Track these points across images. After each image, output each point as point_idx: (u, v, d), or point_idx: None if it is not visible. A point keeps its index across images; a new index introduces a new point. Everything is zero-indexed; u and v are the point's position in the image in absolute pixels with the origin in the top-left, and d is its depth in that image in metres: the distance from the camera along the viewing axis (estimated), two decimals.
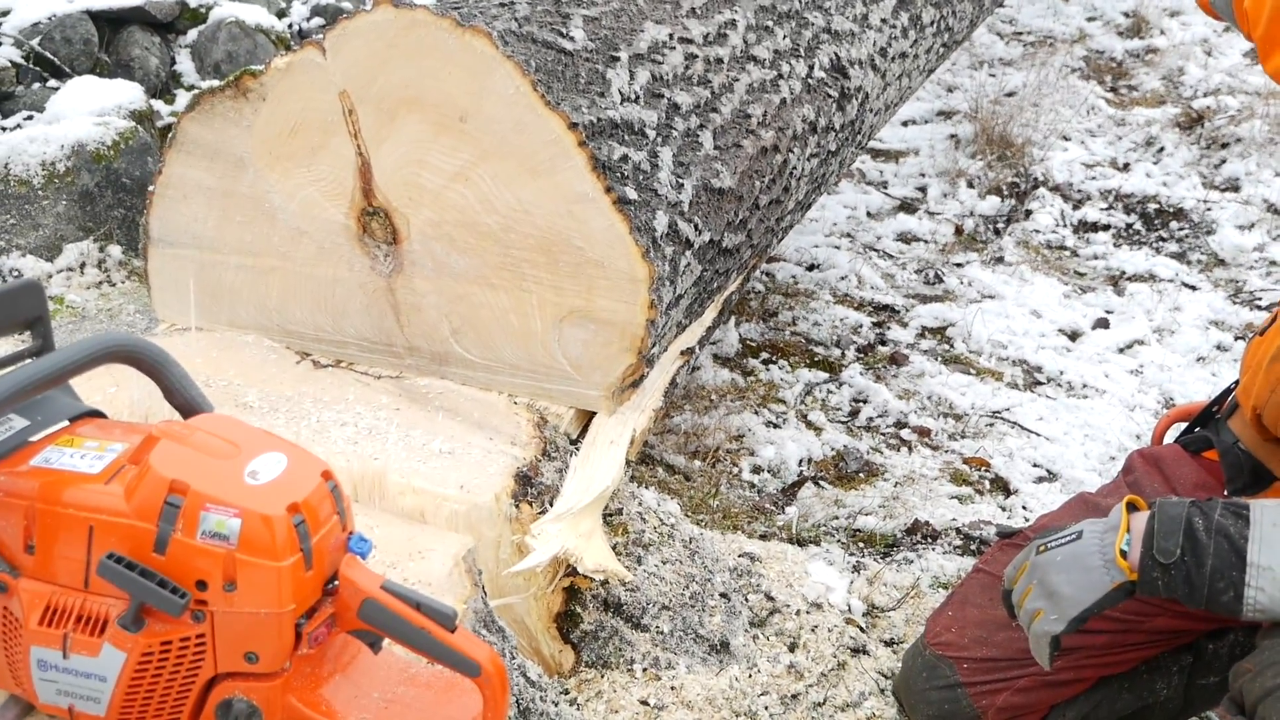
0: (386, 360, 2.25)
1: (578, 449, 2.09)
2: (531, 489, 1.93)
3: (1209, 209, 4.44)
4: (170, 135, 2.20)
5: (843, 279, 3.80)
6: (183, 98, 4.18)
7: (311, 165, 2.12)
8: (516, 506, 1.90)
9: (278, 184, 2.16)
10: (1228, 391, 2.08)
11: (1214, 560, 1.53)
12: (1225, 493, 1.88)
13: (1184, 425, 2.15)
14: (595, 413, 2.15)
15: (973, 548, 2.60)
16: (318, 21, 4.63)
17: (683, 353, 2.40)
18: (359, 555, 1.40)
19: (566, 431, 2.12)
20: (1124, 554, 1.60)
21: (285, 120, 2.11)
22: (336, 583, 1.31)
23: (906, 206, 4.41)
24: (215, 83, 3.88)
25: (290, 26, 4.62)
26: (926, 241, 4.17)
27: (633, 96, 2.16)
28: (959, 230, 4.25)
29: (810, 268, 3.88)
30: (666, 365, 2.35)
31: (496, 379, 2.17)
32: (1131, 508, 1.65)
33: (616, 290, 2.01)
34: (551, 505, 1.93)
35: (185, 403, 1.43)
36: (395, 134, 2.04)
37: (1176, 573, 1.56)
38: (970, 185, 4.55)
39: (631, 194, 2.01)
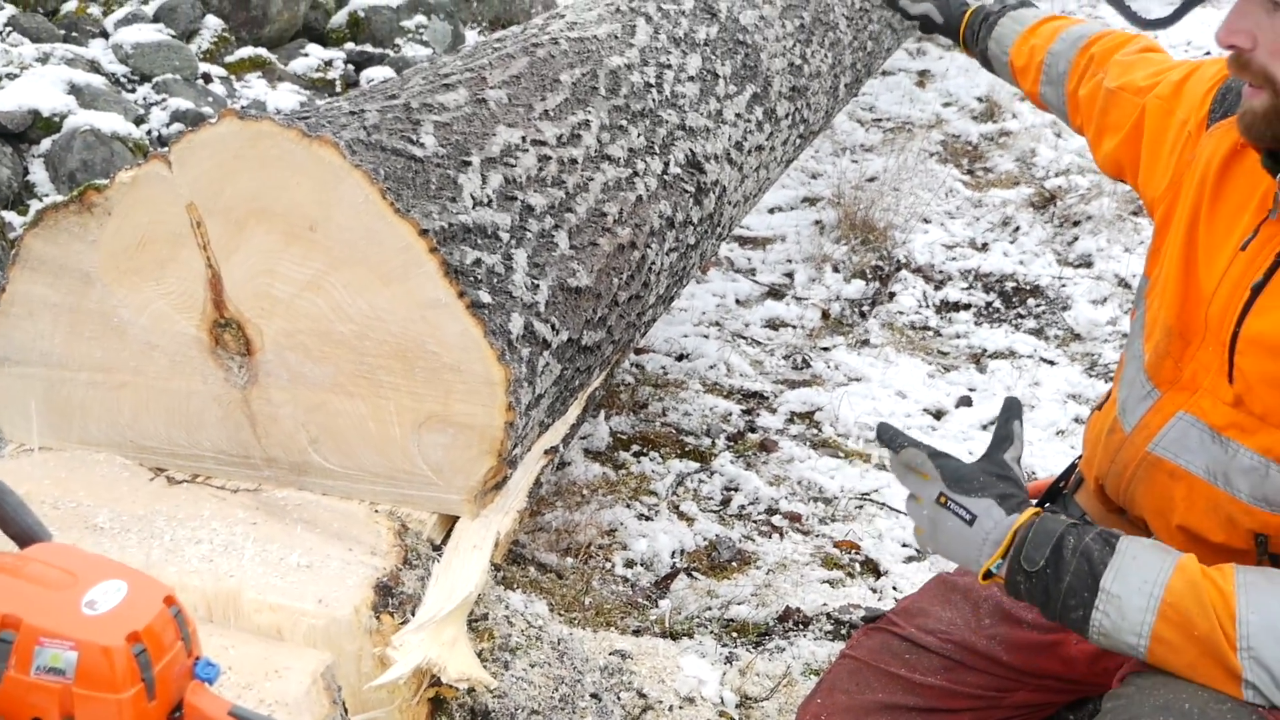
0: (244, 472, 2.21)
1: (441, 555, 2.07)
2: (392, 599, 1.90)
3: (1064, 285, 4.59)
4: (14, 252, 2.16)
5: (712, 368, 3.84)
6: (36, 208, 4.11)
7: (161, 278, 2.10)
8: (377, 618, 1.87)
9: (127, 298, 2.13)
10: (1073, 467, 2.14)
11: (1071, 579, 1.58)
12: None
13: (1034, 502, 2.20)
14: (458, 517, 2.14)
15: (843, 632, 2.62)
16: (178, 127, 4.59)
17: (546, 451, 2.40)
18: (206, 681, 1.37)
19: (429, 538, 2.10)
20: (990, 574, 1.66)
21: (132, 234, 2.08)
22: (181, 712, 1.28)
23: (774, 293, 4.48)
24: (60, 199, 3.83)
25: (149, 133, 4.58)
26: (794, 327, 4.24)
27: (485, 200, 2.17)
28: (825, 315, 4.33)
29: (680, 357, 3.91)
30: (530, 465, 2.35)
31: (357, 487, 2.15)
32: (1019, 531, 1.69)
33: (474, 394, 2.01)
34: (413, 615, 1.91)
35: (21, 531, 1.39)
36: (245, 245, 2.03)
37: (1037, 582, 1.61)
38: (836, 270, 4.65)
39: (486, 297, 2.02)
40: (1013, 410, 1.83)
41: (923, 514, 1.73)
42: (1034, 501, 2.18)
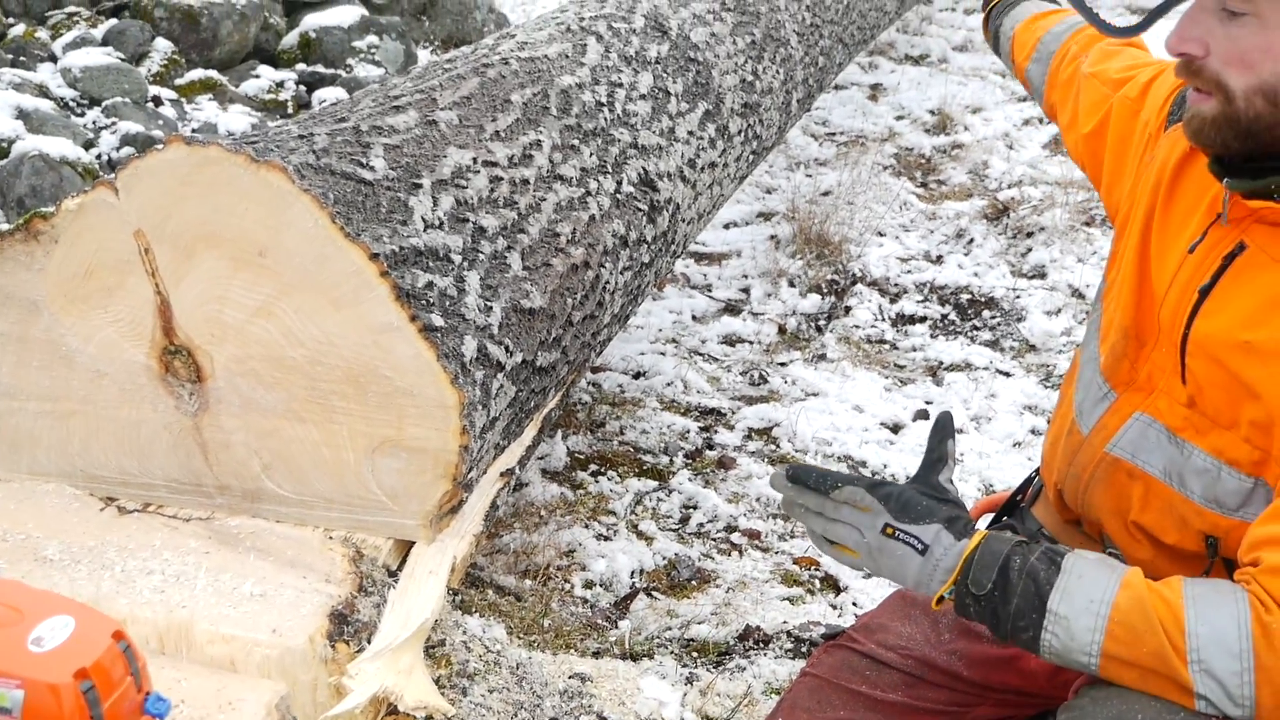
0: (197, 501, 2.19)
1: (397, 581, 2.05)
2: (348, 627, 1.89)
3: (1018, 296, 4.61)
4: None
5: (669, 385, 3.83)
6: None
7: (109, 306, 2.07)
8: (332, 647, 1.85)
9: (74, 326, 2.10)
10: (1029, 480, 2.15)
11: (1019, 601, 1.58)
12: None
13: (991, 516, 2.22)
14: (414, 542, 2.12)
15: (803, 650, 2.62)
16: (128, 151, 4.56)
17: (503, 474, 2.39)
18: (157, 716, 1.36)
19: (385, 564, 2.09)
20: (942, 599, 1.65)
21: (79, 262, 2.06)
22: None
23: (730, 308, 4.48)
24: (6, 226, 3.79)
25: (99, 157, 4.54)
26: (751, 342, 4.24)
27: (436, 223, 2.16)
28: (782, 329, 4.34)
29: (637, 375, 3.91)
30: (486, 488, 2.34)
31: (311, 514, 2.13)
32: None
33: (427, 418, 1.99)
34: (369, 643, 1.89)
35: None
36: (194, 271, 2.01)
37: (986, 604, 1.61)
38: (791, 284, 4.66)
39: (438, 320, 2.01)
40: (945, 429, 1.82)
41: (864, 543, 1.70)
42: (992, 515, 2.21)
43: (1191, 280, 1.69)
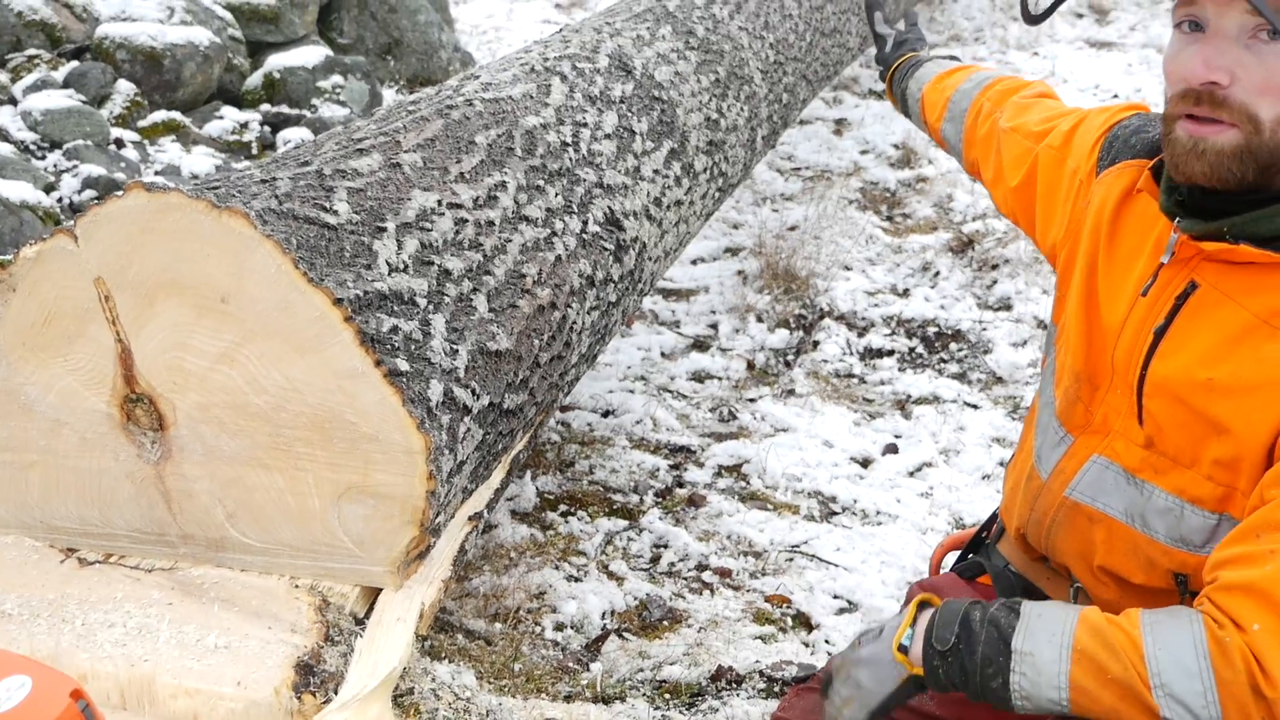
0: (160, 550, 2.16)
1: (364, 629, 2.03)
2: (314, 678, 1.86)
3: (985, 329, 4.63)
4: None
5: (638, 423, 3.82)
6: None
7: (69, 355, 2.05)
8: (299, 698, 1.82)
9: (33, 375, 2.08)
10: (995, 516, 2.15)
11: (984, 648, 1.58)
12: None
13: (958, 553, 2.22)
14: (382, 589, 2.10)
15: (776, 690, 2.60)
16: (90, 194, 4.52)
17: (471, 518, 2.37)
18: None
19: (352, 611, 2.06)
20: (904, 649, 1.64)
21: (38, 310, 2.03)
22: None
23: (699, 345, 4.47)
24: None
25: (60, 201, 4.51)
26: (720, 379, 4.23)
27: (401, 266, 2.15)
28: (751, 365, 4.33)
29: (606, 413, 3.89)
30: (454, 533, 2.31)
31: (276, 562, 2.11)
32: (924, 605, 1.68)
33: (394, 463, 1.98)
34: (337, 693, 1.87)
35: None
36: (155, 318, 1.99)
37: (953, 660, 1.60)
38: (759, 320, 4.66)
39: (403, 365, 1.99)
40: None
41: (851, 679, 1.70)
42: (959, 552, 2.21)
43: (1145, 322, 1.70)
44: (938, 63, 2.62)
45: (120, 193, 1.94)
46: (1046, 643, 1.55)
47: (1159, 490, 1.69)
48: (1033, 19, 1.87)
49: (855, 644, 1.72)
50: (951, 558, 2.27)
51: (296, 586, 2.07)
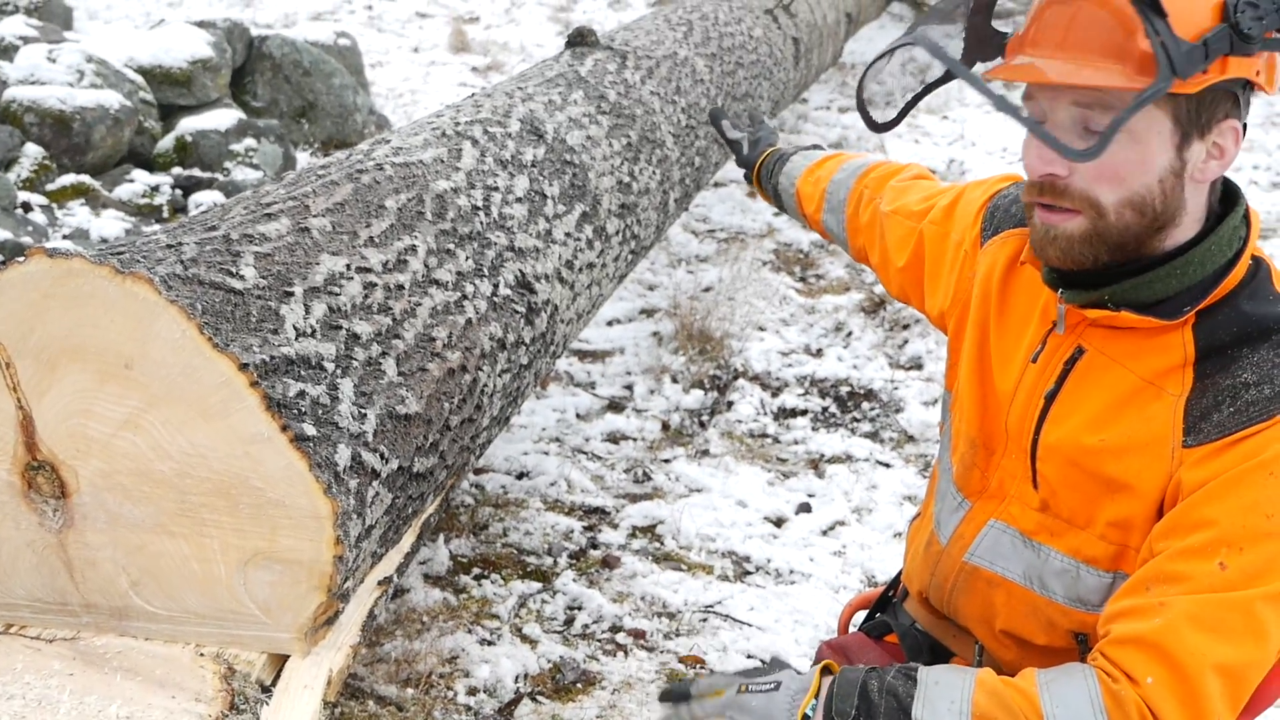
0: (61, 620, 2.12)
1: (271, 697, 2.00)
2: None
3: (896, 388, 4.70)
4: None
5: (552, 485, 3.82)
6: None
7: None
8: None
9: None
10: (900, 576, 2.18)
11: (884, 718, 1.60)
12: None
13: (866, 611, 2.24)
14: (289, 656, 2.08)
15: None
16: None
17: (380, 582, 2.35)
18: None
19: (259, 679, 2.04)
20: (808, 718, 1.65)
21: None
22: None
23: (614, 406, 4.50)
24: None
25: None
26: (634, 439, 4.25)
27: (309, 330, 2.15)
28: (665, 426, 4.36)
29: (520, 475, 3.89)
30: (364, 597, 2.30)
31: (182, 630, 2.08)
32: (827, 671, 1.69)
33: (300, 529, 1.96)
34: None
35: None
36: (58, 384, 1.96)
37: None
38: (674, 380, 4.69)
39: (310, 429, 1.98)
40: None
41: (725, 714, 1.71)
42: (865, 611, 2.24)
43: (1036, 387, 1.74)
44: (804, 154, 2.60)
45: (21, 259, 1.92)
46: (946, 710, 1.57)
47: (1055, 552, 1.73)
48: (878, 127, 1.84)
49: (741, 686, 1.70)
50: (860, 616, 2.29)
51: (202, 655, 2.04)
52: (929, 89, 1.85)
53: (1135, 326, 1.63)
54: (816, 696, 1.66)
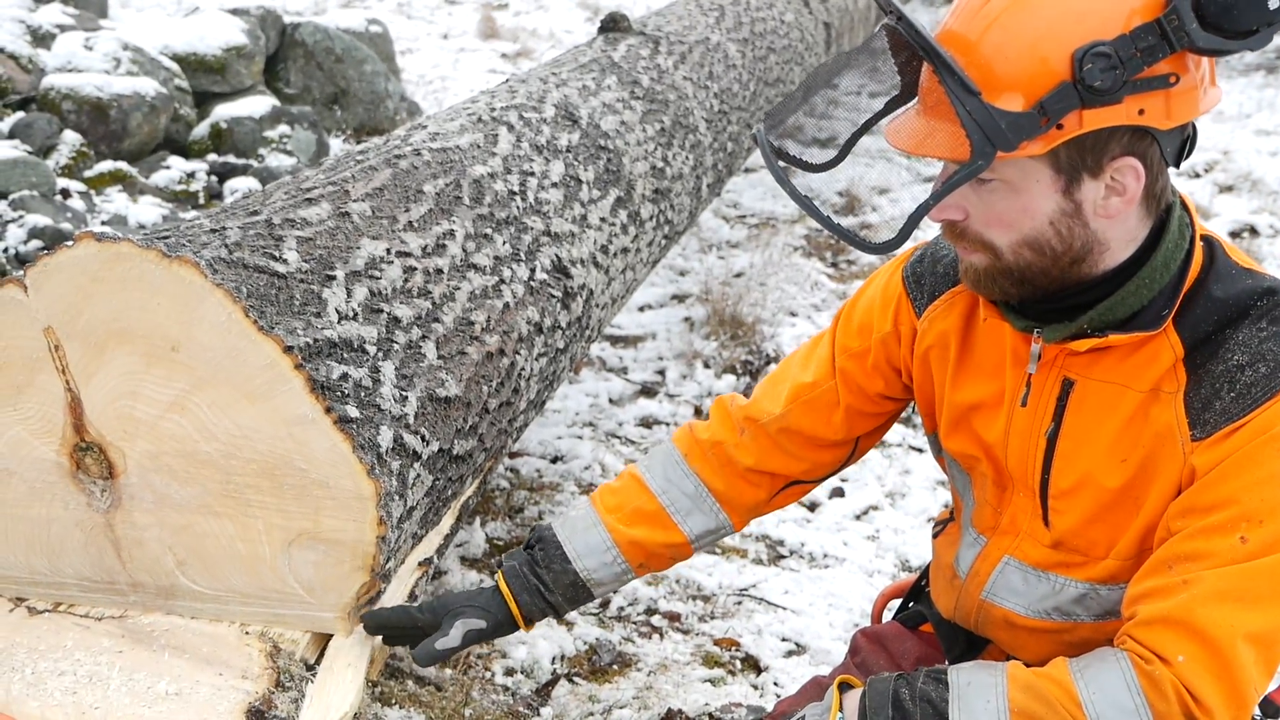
0: (109, 599, 2.16)
1: (315, 675, 2.03)
2: None
3: None
4: None
5: (586, 469, 3.84)
6: None
7: (17, 404, 2.05)
8: None
9: None
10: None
11: None
12: (946, 662, 1.96)
13: (899, 600, 2.25)
14: (332, 635, 2.11)
15: None
16: (36, 245, 4.51)
17: (421, 563, 2.38)
18: None
19: (303, 658, 2.07)
20: None
21: None
22: None
23: (647, 391, 4.51)
24: None
25: (6, 251, 4.49)
26: (667, 424, 4.27)
27: (351, 314, 2.17)
28: (698, 411, 4.37)
29: (554, 460, 3.91)
30: (405, 578, 2.33)
31: (227, 609, 2.11)
32: (845, 687, 1.71)
33: (344, 509, 1.99)
34: None
35: None
36: (105, 367, 2.00)
37: None
38: (706, 365, 4.70)
39: (353, 411, 2.01)
40: None
41: None
42: (899, 600, 2.24)
43: (1031, 430, 1.73)
44: (570, 509, 2.31)
45: (70, 242, 1.95)
46: (983, 710, 1.58)
47: (1071, 581, 1.75)
48: (873, 248, 1.68)
49: None
50: (894, 604, 2.29)
51: (247, 633, 2.07)
52: (857, 135, 1.83)
53: (1122, 344, 1.64)
54: (841, 712, 1.67)
